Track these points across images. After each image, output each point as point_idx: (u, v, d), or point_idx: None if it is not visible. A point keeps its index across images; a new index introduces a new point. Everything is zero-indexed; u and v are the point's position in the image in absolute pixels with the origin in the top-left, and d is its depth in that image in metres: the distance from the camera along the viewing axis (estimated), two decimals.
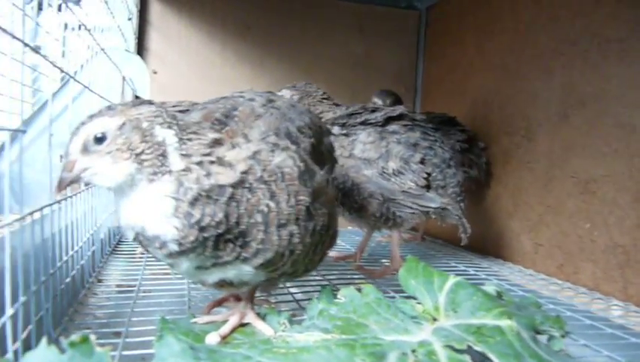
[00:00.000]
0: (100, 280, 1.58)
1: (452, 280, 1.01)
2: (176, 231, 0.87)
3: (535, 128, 2.08)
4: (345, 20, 3.00)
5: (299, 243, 0.97)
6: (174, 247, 0.88)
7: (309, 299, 1.37)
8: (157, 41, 2.68)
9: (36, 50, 0.95)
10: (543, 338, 1.00)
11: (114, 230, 2.09)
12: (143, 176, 0.87)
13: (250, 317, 1.08)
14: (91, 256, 1.56)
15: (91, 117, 0.89)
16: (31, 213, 0.90)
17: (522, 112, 2.16)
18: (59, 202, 1.14)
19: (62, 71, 1.19)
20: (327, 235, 1.08)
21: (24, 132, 0.84)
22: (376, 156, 1.73)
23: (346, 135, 1.80)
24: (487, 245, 2.34)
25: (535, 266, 2.01)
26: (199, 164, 0.89)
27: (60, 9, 1.17)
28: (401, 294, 1.35)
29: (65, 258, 1.20)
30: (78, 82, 1.42)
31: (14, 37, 0.77)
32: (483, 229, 2.38)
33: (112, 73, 1.92)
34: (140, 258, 1.86)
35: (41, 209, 0.98)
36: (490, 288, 1.21)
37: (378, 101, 2.37)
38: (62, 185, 0.87)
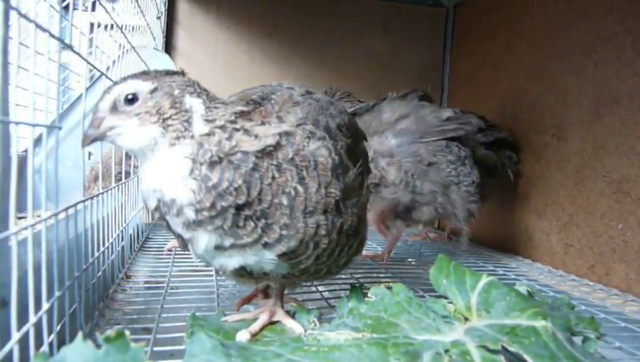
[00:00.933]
0: (128, 276, 1.60)
1: (484, 279, 0.99)
2: (192, 195, 0.85)
3: (566, 127, 2.04)
4: (370, 19, 3.00)
5: (325, 236, 0.95)
6: (191, 214, 0.86)
7: (336, 298, 1.37)
8: (184, 40, 2.71)
9: (73, 48, 0.96)
10: (577, 339, 0.98)
11: (142, 226, 2.11)
12: (165, 140, 0.87)
13: (280, 315, 1.08)
14: (121, 252, 1.58)
15: (125, 78, 0.91)
16: (65, 209, 0.92)
17: (553, 111, 2.12)
18: (92, 198, 1.16)
19: (95, 69, 1.20)
20: (355, 240, 1.05)
21: (60, 128, 0.85)
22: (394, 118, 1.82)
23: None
24: (515, 245, 2.31)
25: (565, 267, 1.98)
26: (222, 128, 0.88)
27: (93, 8, 1.18)
28: (431, 293, 1.34)
29: (97, 254, 1.22)
30: (110, 80, 1.43)
31: (52, 35, 0.78)
32: (512, 229, 2.35)
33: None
34: (168, 255, 1.87)
35: (75, 205, 0.99)
36: (521, 288, 1.19)
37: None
38: (86, 141, 0.89)
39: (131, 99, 0.87)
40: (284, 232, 0.90)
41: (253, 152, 0.87)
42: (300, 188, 0.90)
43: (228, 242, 0.90)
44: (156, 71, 0.94)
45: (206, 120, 0.89)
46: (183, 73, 0.96)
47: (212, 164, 0.86)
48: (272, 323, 1.08)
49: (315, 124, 0.97)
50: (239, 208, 0.87)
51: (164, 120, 0.87)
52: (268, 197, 0.88)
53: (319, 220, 0.93)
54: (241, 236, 0.90)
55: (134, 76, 0.91)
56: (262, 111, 0.95)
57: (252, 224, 0.89)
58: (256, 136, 0.89)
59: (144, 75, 0.92)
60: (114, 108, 0.88)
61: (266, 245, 0.91)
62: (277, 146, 0.90)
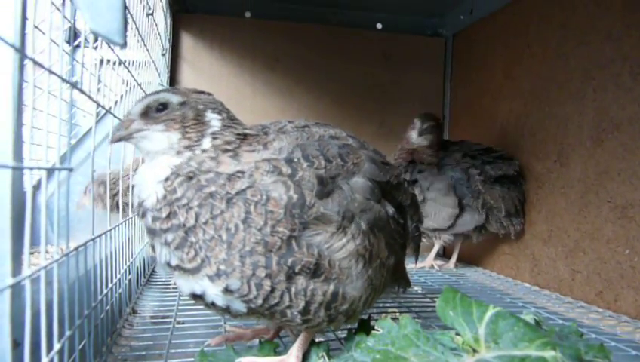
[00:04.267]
0: (135, 311, 1.60)
1: (492, 310, 0.99)
2: (155, 201, 0.93)
3: (568, 153, 2.05)
4: (370, 49, 3.05)
5: (266, 278, 0.91)
6: (149, 219, 0.93)
7: (342, 330, 1.37)
8: (188, 74, 2.76)
9: (81, 89, 0.98)
10: None
11: (149, 260, 2.12)
12: (179, 146, 0.95)
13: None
14: (128, 286, 1.58)
15: (159, 91, 1.01)
16: (76, 249, 0.93)
17: (554, 137, 2.14)
18: (100, 236, 1.17)
19: (102, 107, 1.22)
20: (321, 284, 0.95)
21: (71, 170, 0.87)
22: None
23: None
24: (521, 272, 2.30)
25: (573, 293, 1.97)
26: (216, 147, 0.96)
27: (101, 46, 1.22)
28: (439, 324, 1.34)
29: (105, 290, 1.22)
30: (116, 117, 1.46)
31: (64, 80, 0.81)
32: (517, 255, 2.34)
33: None
34: (175, 288, 1.87)
35: (85, 244, 1.00)
36: (528, 317, 1.19)
37: (417, 121, 2.46)
38: (114, 138, 0.98)
39: (161, 108, 0.97)
40: (222, 268, 0.91)
41: (225, 174, 0.92)
42: (241, 226, 0.90)
43: (174, 262, 0.94)
44: (187, 88, 1.03)
45: (213, 137, 0.96)
46: (209, 94, 1.05)
47: (185, 180, 0.92)
48: None
49: (286, 157, 0.96)
50: (187, 232, 0.91)
51: (184, 127, 0.96)
52: (211, 231, 0.90)
53: (258, 261, 0.90)
54: (184, 261, 0.93)
55: (167, 90, 1.01)
56: (261, 138, 1.00)
57: (193, 252, 0.92)
58: (237, 162, 0.95)
59: (176, 90, 1.02)
60: (144, 113, 0.97)
61: (210, 278, 0.93)
62: (245, 172, 0.93)
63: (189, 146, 0.95)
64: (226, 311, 0.99)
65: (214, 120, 0.99)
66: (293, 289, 0.93)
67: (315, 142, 1.02)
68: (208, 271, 0.92)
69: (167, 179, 0.93)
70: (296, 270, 0.92)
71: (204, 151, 0.95)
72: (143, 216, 0.95)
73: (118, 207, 1.78)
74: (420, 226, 1.35)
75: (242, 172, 0.93)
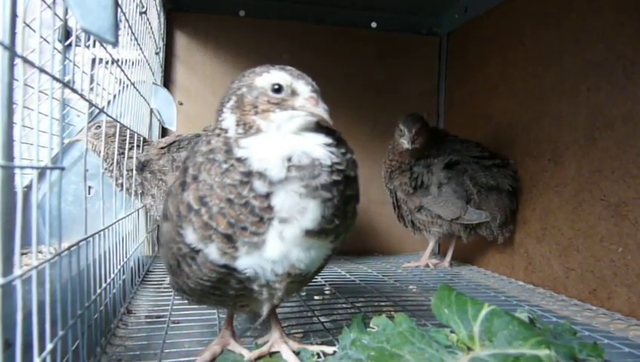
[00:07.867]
0: (129, 311, 1.59)
1: (487, 308, 0.99)
2: (336, 158, 0.99)
3: (562, 151, 2.06)
4: (366, 48, 3.05)
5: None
6: (325, 174, 0.95)
7: (338, 328, 1.37)
8: (182, 73, 2.75)
9: (73, 88, 0.97)
10: None
11: (143, 259, 2.11)
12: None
13: (284, 349, 1.07)
14: (122, 286, 1.58)
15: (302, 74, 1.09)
16: (69, 248, 0.92)
17: (548, 136, 2.14)
18: (94, 235, 1.16)
19: (95, 107, 1.22)
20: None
21: (63, 169, 0.86)
22: None
23: None
24: (516, 270, 2.31)
25: (567, 291, 1.97)
26: None
27: (94, 45, 1.20)
28: (433, 322, 1.34)
29: (99, 290, 1.22)
30: (109, 116, 1.45)
31: (55, 78, 0.80)
32: (512, 254, 2.35)
33: (140, 105, 1.96)
34: (169, 288, 1.86)
35: (77, 243, 1.00)
36: (522, 315, 1.19)
37: (404, 129, 2.38)
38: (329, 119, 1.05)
39: None
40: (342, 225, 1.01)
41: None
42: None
43: (313, 224, 0.95)
44: None
45: None
46: None
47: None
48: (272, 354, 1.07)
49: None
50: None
51: None
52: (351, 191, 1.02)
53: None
54: (327, 221, 0.96)
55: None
56: None
57: (335, 212, 0.98)
58: None
59: None
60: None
61: (334, 237, 1.01)
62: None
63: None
64: (271, 281, 1.00)
65: None
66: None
67: None
68: (335, 231, 0.99)
69: (329, 144, 1.01)
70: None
71: None
72: (313, 176, 0.95)
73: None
74: None
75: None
